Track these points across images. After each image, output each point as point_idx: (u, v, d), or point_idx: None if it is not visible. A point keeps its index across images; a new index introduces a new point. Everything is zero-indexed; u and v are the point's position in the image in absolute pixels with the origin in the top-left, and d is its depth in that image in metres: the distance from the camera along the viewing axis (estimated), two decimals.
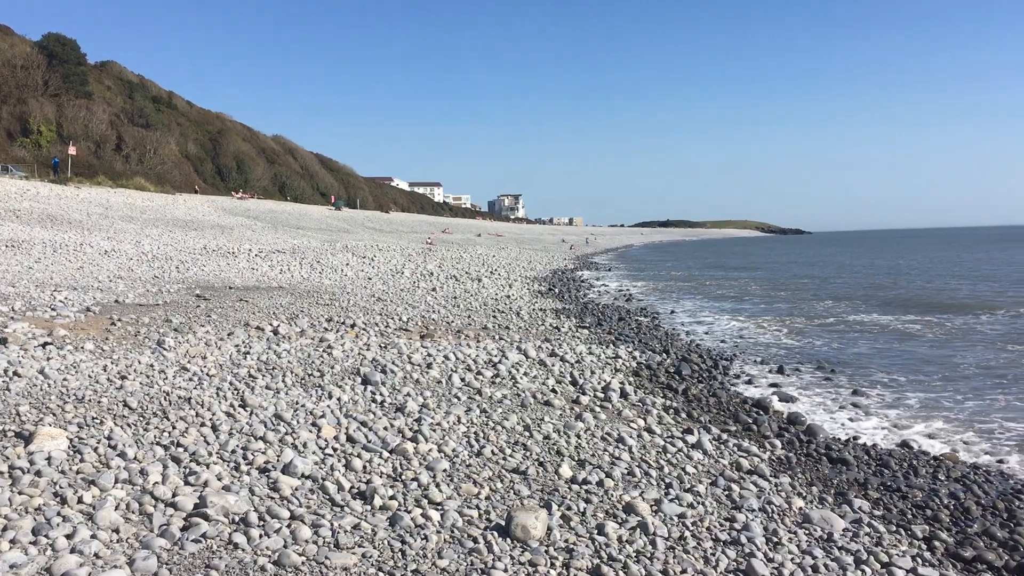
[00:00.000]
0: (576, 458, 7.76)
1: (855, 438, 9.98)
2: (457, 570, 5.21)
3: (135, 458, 6.68)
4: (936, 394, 12.73)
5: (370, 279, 25.16)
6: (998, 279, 38.53)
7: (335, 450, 7.41)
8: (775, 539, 6.05)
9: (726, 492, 7.06)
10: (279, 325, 13.80)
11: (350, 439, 7.71)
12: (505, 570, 5.22)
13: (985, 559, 6.14)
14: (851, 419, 11.07)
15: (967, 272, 44.96)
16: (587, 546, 5.68)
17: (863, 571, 5.62)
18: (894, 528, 6.66)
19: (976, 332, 19.88)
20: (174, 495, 6.00)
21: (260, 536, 5.44)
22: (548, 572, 5.24)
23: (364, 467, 7.00)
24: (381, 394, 9.58)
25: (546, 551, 5.54)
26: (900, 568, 5.71)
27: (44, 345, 10.63)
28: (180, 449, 7.02)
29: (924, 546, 6.33)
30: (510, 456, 7.65)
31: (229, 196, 71.46)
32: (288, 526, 5.64)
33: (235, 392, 9.17)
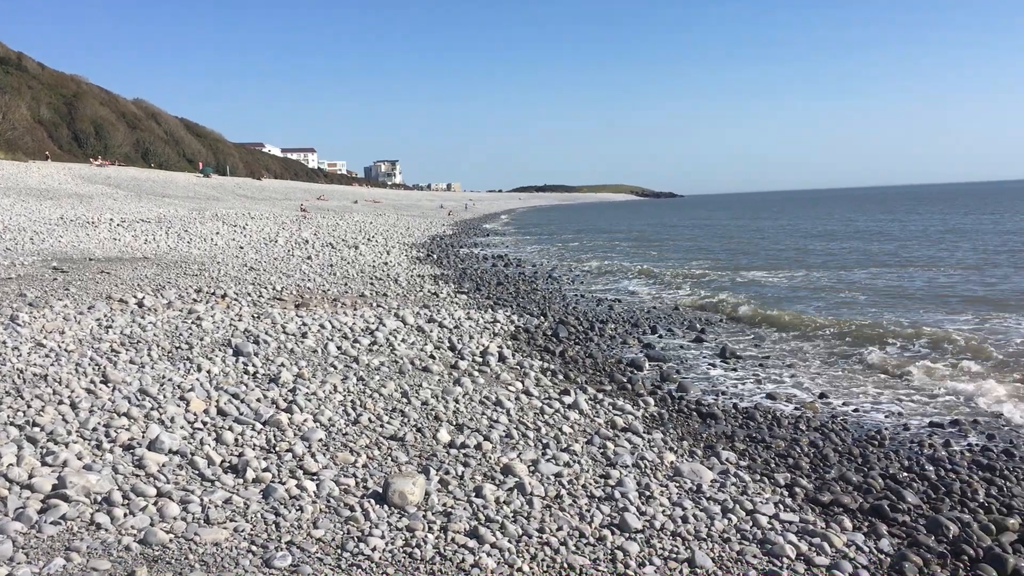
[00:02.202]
0: (454, 423, 7.77)
1: (723, 393, 10.38)
2: (333, 539, 5.15)
3: None
4: (795, 348, 13.37)
5: (242, 248, 24.40)
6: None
7: (205, 424, 7.18)
8: (647, 493, 6.23)
9: (601, 450, 7.22)
10: (144, 297, 13.21)
11: (221, 412, 7.48)
12: (382, 536, 5.19)
13: (841, 502, 6.50)
14: (720, 375, 11.49)
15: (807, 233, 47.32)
16: (465, 509, 5.71)
17: (729, 519, 5.86)
18: (758, 477, 6.97)
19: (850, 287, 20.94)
20: (30, 476, 5.69)
21: (125, 515, 5.23)
22: (426, 536, 5.24)
23: (236, 440, 6.81)
24: (254, 365, 9.32)
25: (424, 516, 5.54)
26: (763, 514, 5.98)
27: None
28: (36, 429, 6.65)
29: (786, 492, 6.64)
30: (388, 423, 7.60)
31: (88, 163, 67.70)
32: (155, 504, 5.44)
33: (96, 368, 8.74)
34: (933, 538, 5.91)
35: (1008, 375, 11.15)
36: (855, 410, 9.70)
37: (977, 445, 8.32)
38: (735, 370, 11.82)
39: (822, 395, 10.36)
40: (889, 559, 5.52)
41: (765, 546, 5.46)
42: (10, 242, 21.25)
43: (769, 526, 5.81)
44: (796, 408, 9.72)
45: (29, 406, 7.22)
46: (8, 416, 6.92)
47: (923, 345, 13.36)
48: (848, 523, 6.08)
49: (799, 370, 11.84)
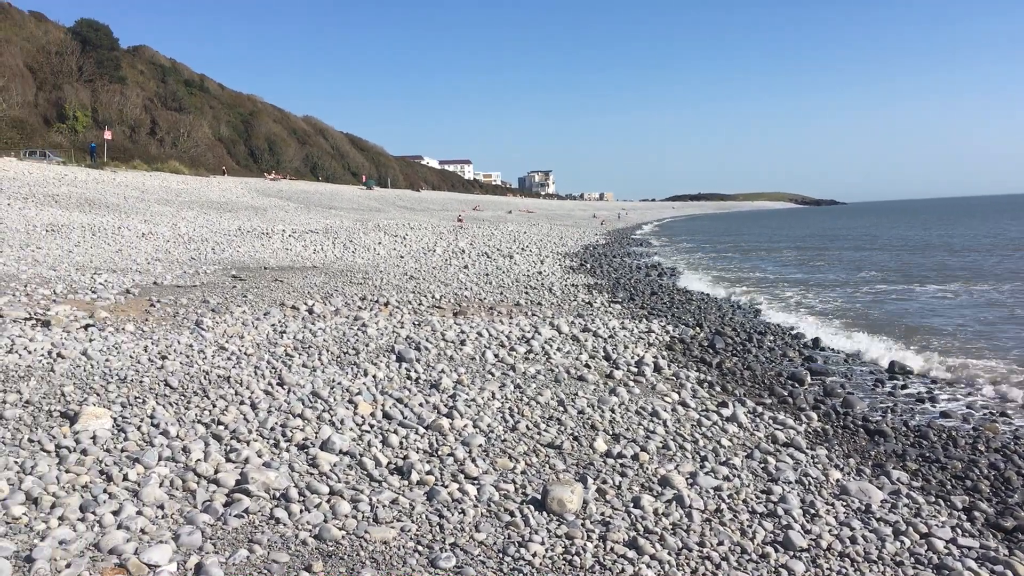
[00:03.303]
0: (611, 432, 7.78)
1: (892, 409, 9.90)
2: (495, 543, 5.27)
3: (177, 436, 6.82)
4: (979, 359, 12.56)
5: (402, 257, 25.27)
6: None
7: (371, 426, 7.50)
8: (812, 511, 6.03)
9: (762, 465, 7.05)
10: (314, 304, 13.93)
11: (386, 415, 7.80)
12: (542, 543, 5.27)
13: None
14: (889, 392, 10.96)
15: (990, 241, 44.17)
16: (623, 519, 5.71)
17: (902, 541, 5.60)
18: (933, 499, 6.62)
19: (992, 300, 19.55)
20: (216, 472, 6.11)
21: (301, 511, 5.54)
22: (585, 544, 5.28)
23: (400, 443, 7.08)
24: (416, 371, 9.65)
25: (582, 524, 5.58)
26: (939, 538, 5.67)
27: (86, 327, 10.84)
28: (221, 427, 7.15)
29: (964, 516, 6.28)
30: (545, 431, 7.69)
31: (262, 177, 71.96)
32: (328, 501, 5.73)
33: (272, 370, 9.29)
34: None
35: None
36: None
37: None
38: (905, 387, 11.24)
39: (1003, 414, 9.71)
40: None
41: (942, 572, 5.19)
42: (194, 252, 22.88)
43: (946, 551, 5.51)
44: (974, 428, 9.14)
45: (214, 405, 7.77)
46: (196, 414, 7.47)
47: None
48: None
49: (975, 388, 11.13)
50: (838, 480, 6.80)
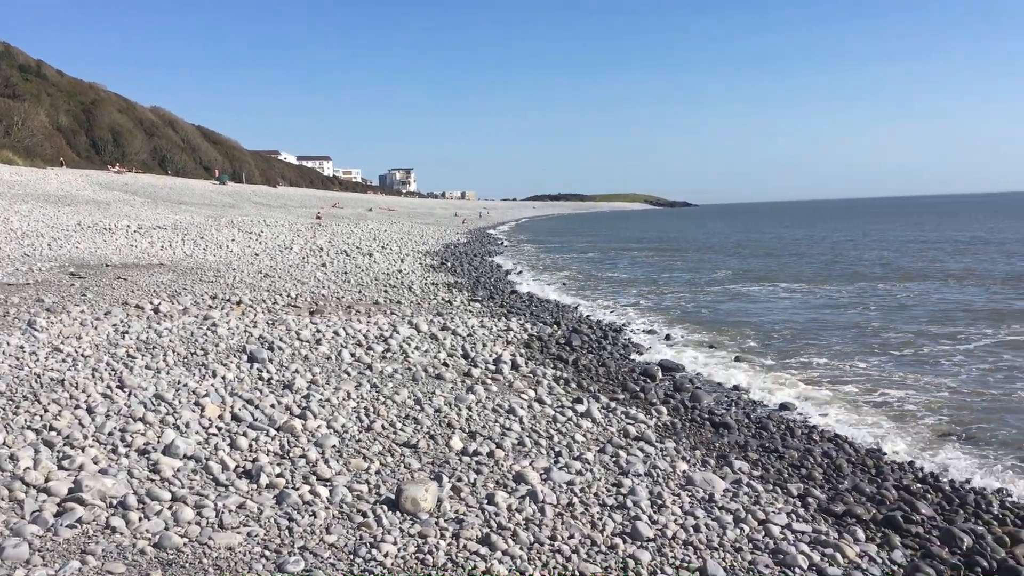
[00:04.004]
0: (467, 430, 7.79)
1: (736, 402, 10.36)
2: (346, 545, 5.17)
3: (4, 443, 6.36)
4: (813, 358, 13.33)
5: (257, 255, 24.52)
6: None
7: (219, 429, 7.23)
8: (659, 502, 6.23)
9: (614, 458, 7.22)
10: (160, 303, 13.31)
11: (235, 418, 7.53)
12: (394, 543, 5.21)
13: (854, 513, 6.47)
14: (734, 385, 11.46)
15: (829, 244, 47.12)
16: (477, 516, 5.72)
17: (742, 529, 5.85)
18: (771, 487, 6.96)
19: (844, 304, 20.86)
20: (47, 480, 5.74)
21: (140, 519, 5.27)
22: (438, 543, 5.25)
23: (250, 446, 6.85)
24: (268, 371, 9.37)
25: (436, 522, 5.56)
26: (776, 524, 5.97)
27: None
28: (53, 433, 6.71)
29: (799, 503, 6.63)
30: (401, 430, 7.63)
31: (105, 170, 68.23)
32: (169, 508, 5.48)
33: (112, 373, 8.81)
34: (947, 550, 5.88)
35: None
36: (869, 422, 9.66)
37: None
38: (749, 380, 11.78)
39: (834, 404, 10.32)
40: (902, 570, 5.50)
41: (777, 556, 5.45)
42: (28, 248, 21.44)
43: (781, 536, 5.80)
44: (809, 418, 9.69)
45: (46, 410, 7.29)
46: (26, 420, 6.99)
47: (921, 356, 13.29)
48: (861, 534, 6.06)
49: (813, 381, 11.80)
50: (684, 471, 7.05)
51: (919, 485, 7.37)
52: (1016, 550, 5.97)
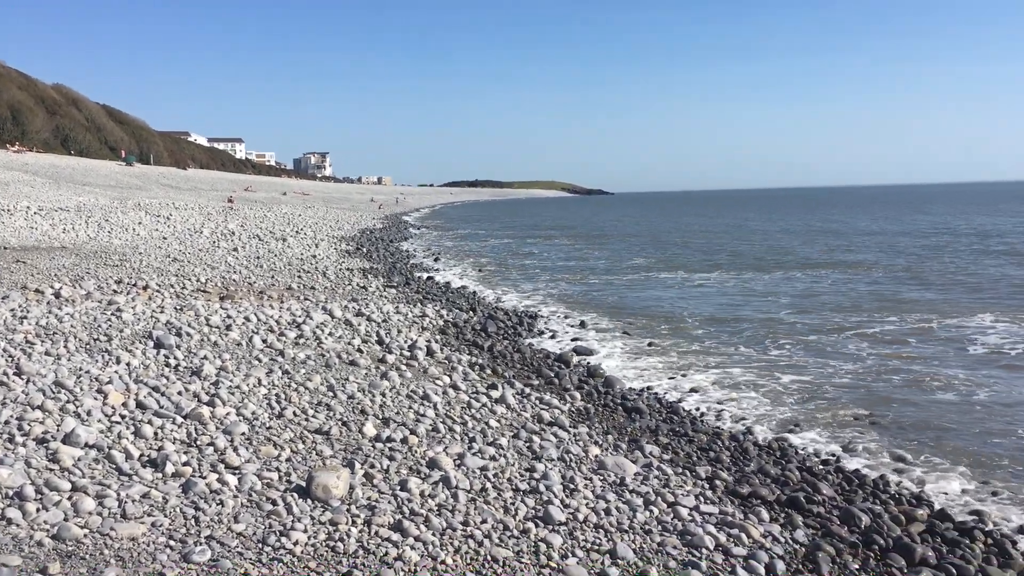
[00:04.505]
0: (381, 416, 7.73)
1: (648, 388, 10.54)
2: (254, 533, 5.08)
3: None
4: (723, 345, 13.66)
5: (165, 239, 23.82)
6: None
7: (123, 417, 7.00)
8: (572, 486, 6.30)
9: (527, 444, 7.27)
10: (61, 288, 12.81)
11: (140, 405, 7.30)
12: (304, 530, 5.15)
13: (759, 494, 6.66)
14: (647, 370, 11.66)
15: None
16: (389, 502, 5.69)
17: (651, 511, 5.97)
18: (680, 470, 7.11)
19: (752, 289, 21.45)
20: None
21: (37, 510, 5.07)
22: (349, 530, 5.21)
23: (155, 434, 6.66)
24: (175, 358, 9.12)
25: (348, 509, 5.50)
26: (684, 507, 6.10)
27: None
28: None
29: (707, 485, 6.78)
30: (313, 417, 7.52)
31: (4, 149, 65.18)
32: (69, 498, 5.28)
33: (9, 359, 8.44)
34: (846, 528, 6.10)
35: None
36: (776, 405, 9.96)
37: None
38: (662, 365, 12.00)
39: (743, 388, 10.61)
40: (804, 549, 5.69)
41: (685, 537, 5.57)
42: None
43: (689, 518, 5.93)
44: (719, 402, 9.94)
45: None
46: None
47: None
48: (765, 514, 6.23)
49: (723, 367, 12.09)
50: (597, 456, 7.14)
51: (822, 467, 7.65)
52: (911, 528, 6.24)
